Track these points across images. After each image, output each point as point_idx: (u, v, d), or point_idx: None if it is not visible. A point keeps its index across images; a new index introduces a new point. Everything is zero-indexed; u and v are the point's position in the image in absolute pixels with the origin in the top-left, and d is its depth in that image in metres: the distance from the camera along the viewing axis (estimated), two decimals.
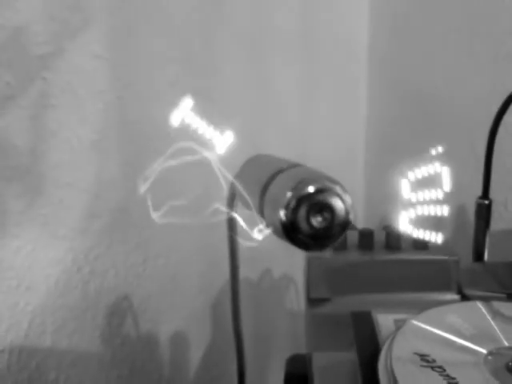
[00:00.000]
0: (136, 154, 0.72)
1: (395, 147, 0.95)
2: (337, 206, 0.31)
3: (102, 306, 0.72)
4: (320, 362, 0.52)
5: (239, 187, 0.37)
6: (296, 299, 0.94)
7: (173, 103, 0.74)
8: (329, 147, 0.93)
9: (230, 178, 0.38)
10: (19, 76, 0.60)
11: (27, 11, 0.60)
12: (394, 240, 0.58)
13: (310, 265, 0.58)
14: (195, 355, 0.86)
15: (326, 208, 0.31)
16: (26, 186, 0.62)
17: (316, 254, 0.57)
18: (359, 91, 0.99)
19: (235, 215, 0.40)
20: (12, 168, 0.61)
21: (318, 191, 0.30)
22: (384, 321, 0.51)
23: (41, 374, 0.67)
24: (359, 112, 1.00)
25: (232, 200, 0.41)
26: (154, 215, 0.38)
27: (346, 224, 0.31)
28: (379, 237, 0.59)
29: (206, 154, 0.36)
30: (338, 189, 0.31)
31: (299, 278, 0.91)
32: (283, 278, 0.93)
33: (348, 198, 0.31)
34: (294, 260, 0.87)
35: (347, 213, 0.31)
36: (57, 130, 0.64)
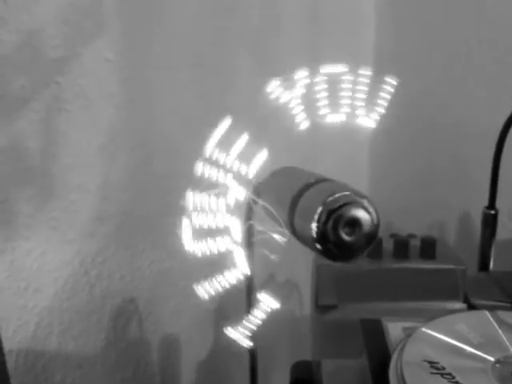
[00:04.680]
0: (145, 157, 0.72)
1: (400, 153, 0.96)
2: (364, 219, 0.32)
3: (107, 309, 0.72)
4: (329, 368, 0.52)
5: (263, 200, 0.38)
6: (299, 306, 0.94)
7: (182, 107, 0.75)
8: (333, 153, 0.93)
9: (249, 191, 0.39)
10: (33, 79, 0.61)
11: (42, 15, 0.60)
12: (401, 248, 0.59)
13: (318, 272, 0.59)
14: (198, 359, 0.86)
15: (354, 221, 0.32)
16: (37, 189, 0.63)
17: (325, 261, 0.58)
18: None
19: (252, 226, 0.41)
20: (24, 170, 0.61)
21: (347, 205, 0.32)
22: (393, 328, 0.52)
23: (47, 376, 0.67)
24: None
25: (249, 211, 0.41)
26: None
27: (373, 236, 0.33)
28: (387, 244, 0.60)
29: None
30: (365, 202, 0.32)
31: (302, 284, 0.92)
32: (286, 284, 0.93)
33: (375, 211, 0.32)
34: (297, 266, 0.88)
35: (374, 225, 0.32)
36: (68, 132, 0.64)
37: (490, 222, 0.62)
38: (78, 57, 0.64)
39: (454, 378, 0.44)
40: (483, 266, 0.63)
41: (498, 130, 0.60)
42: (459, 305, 0.57)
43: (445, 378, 0.44)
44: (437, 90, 0.87)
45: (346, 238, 0.32)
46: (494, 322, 0.50)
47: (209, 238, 0.41)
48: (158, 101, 0.72)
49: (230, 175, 0.39)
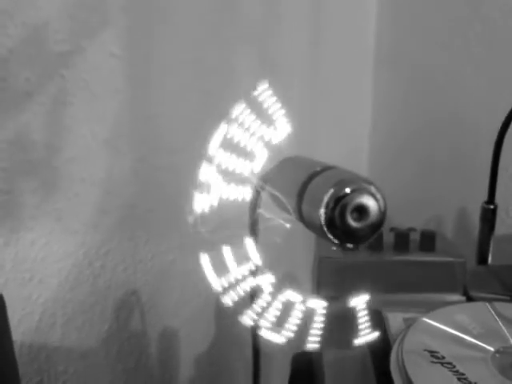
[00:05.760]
0: (148, 151, 0.73)
1: (399, 148, 0.96)
2: (371, 205, 0.33)
3: (110, 301, 0.73)
4: (330, 358, 0.53)
5: (271, 187, 0.39)
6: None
7: (185, 103, 0.75)
8: (333, 148, 0.94)
9: (256, 179, 0.40)
10: (38, 73, 0.61)
11: (48, 9, 0.61)
12: (402, 241, 0.60)
13: (320, 265, 0.59)
14: (199, 351, 0.87)
15: (361, 207, 0.33)
16: (42, 181, 0.63)
17: (326, 254, 0.59)
18: (364, 94, 1.01)
19: (260, 213, 0.42)
20: (29, 162, 0.62)
21: (355, 191, 0.33)
22: (394, 319, 0.53)
23: (50, 366, 0.68)
24: (364, 114, 1.01)
25: (256, 199, 0.42)
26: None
27: (380, 222, 0.33)
28: (387, 237, 0.60)
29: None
30: (372, 189, 0.33)
31: (301, 277, 0.93)
32: (285, 277, 0.94)
33: (382, 198, 0.33)
34: (295, 259, 0.89)
35: (381, 211, 0.33)
36: (72, 126, 0.65)
37: (488, 217, 0.63)
38: (82, 51, 0.65)
39: (454, 366, 0.45)
40: (482, 259, 0.64)
41: (498, 125, 0.61)
42: (458, 297, 0.58)
43: (445, 366, 0.45)
44: (436, 86, 0.88)
45: (353, 224, 0.33)
46: (493, 314, 0.51)
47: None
48: (161, 96, 0.73)
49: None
